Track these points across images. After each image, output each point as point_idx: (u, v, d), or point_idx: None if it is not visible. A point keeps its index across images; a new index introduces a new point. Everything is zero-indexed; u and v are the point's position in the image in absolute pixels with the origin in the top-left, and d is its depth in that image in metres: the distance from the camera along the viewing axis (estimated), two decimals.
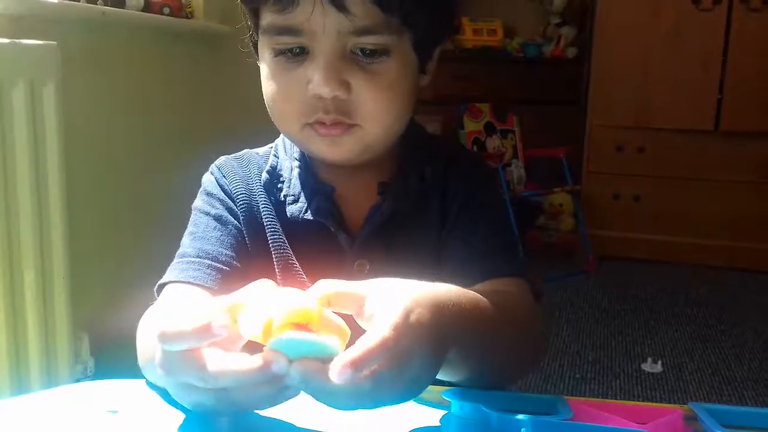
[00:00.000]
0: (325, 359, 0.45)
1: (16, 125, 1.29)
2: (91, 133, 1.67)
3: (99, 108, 1.72)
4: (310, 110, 0.67)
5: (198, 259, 0.71)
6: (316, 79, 0.64)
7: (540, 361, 0.72)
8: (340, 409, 0.46)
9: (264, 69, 0.70)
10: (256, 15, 0.69)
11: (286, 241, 0.75)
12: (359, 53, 0.66)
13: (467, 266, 0.71)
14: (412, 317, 0.47)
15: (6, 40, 1.28)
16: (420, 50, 0.70)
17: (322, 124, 0.67)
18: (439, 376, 0.53)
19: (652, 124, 3.22)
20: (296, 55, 0.66)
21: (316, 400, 0.46)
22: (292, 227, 0.74)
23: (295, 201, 0.75)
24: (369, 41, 0.65)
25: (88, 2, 1.71)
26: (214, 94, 2.24)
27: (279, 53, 0.67)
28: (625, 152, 3.28)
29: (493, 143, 3.42)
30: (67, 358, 1.44)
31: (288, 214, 0.74)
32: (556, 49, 3.76)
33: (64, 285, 1.42)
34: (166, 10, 1.98)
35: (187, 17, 2.11)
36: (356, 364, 0.43)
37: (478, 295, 0.59)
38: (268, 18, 0.66)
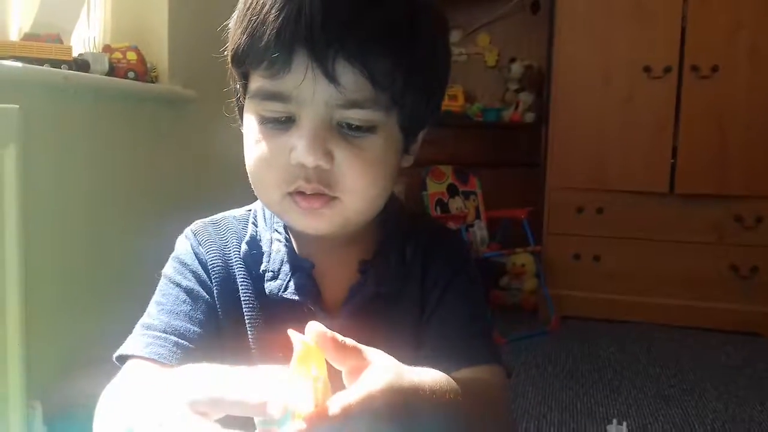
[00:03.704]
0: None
1: None
2: (53, 197, 1.65)
3: (61, 171, 1.70)
4: (292, 178, 0.66)
5: (164, 335, 0.69)
6: (300, 147, 0.64)
7: None
8: None
9: (248, 134, 0.69)
10: (245, 78, 0.69)
11: (263, 317, 0.73)
12: (345, 126, 0.65)
13: (445, 351, 0.71)
14: (384, 400, 0.49)
15: None
16: (406, 130, 0.70)
17: (302, 195, 0.67)
18: None
19: (609, 186, 3.30)
20: (282, 123, 0.66)
21: None
22: (270, 303, 0.73)
23: (275, 277, 0.73)
24: (356, 116, 0.65)
25: (52, 66, 1.72)
26: (178, 158, 2.24)
27: (266, 120, 0.67)
28: (585, 213, 3.35)
29: (455, 204, 3.46)
30: (20, 427, 1.39)
31: (267, 290, 0.73)
32: (515, 114, 3.86)
33: (18, 353, 1.38)
34: (131, 74, 1.99)
35: (152, 81, 2.13)
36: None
37: (457, 383, 0.59)
38: (257, 82, 0.66)
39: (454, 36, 3.98)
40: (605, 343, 3.00)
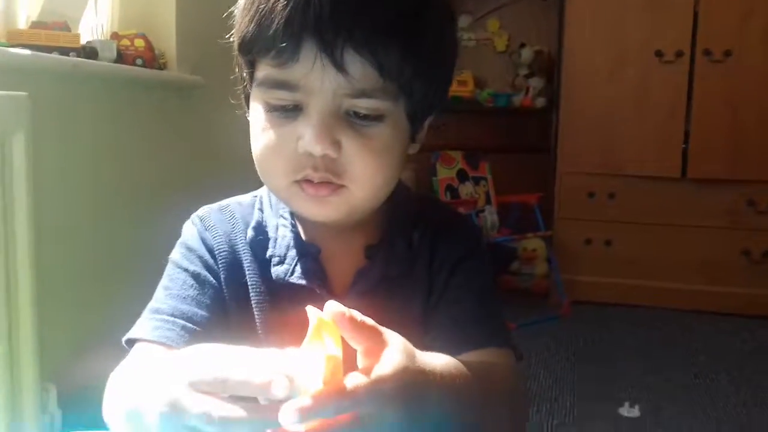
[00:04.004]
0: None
1: None
2: (62, 183, 1.66)
3: (70, 158, 1.71)
4: (299, 167, 0.66)
5: (172, 319, 0.70)
6: (307, 136, 0.64)
7: (523, 428, 0.72)
8: None
9: (255, 123, 0.69)
10: (251, 67, 0.69)
11: (270, 302, 0.73)
12: (353, 115, 0.65)
13: (453, 335, 0.70)
14: (394, 383, 0.48)
15: None
16: (413, 118, 0.70)
17: (309, 183, 0.67)
18: None
19: (621, 171, 3.28)
20: (290, 110, 0.66)
21: None
22: (276, 288, 0.73)
23: (281, 262, 0.74)
24: (364, 104, 0.65)
25: (60, 54, 1.72)
26: (185, 144, 2.25)
27: (273, 108, 0.67)
28: (596, 198, 3.33)
29: (466, 190, 3.45)
30: (34, 409, 1.40)
31: (273, 275, 0.73)
32: (526, 99, 3.84)
33: (31, 336, 1.39)
34: (139, 61, 1.99)
35: (160, 68, 2.13)
36: (302, 412, 0.45)
37: (466, 366, 0.59)
38: (265, 71, 0.66)
39: (464, 21, 3.96)
40: (617, 327, 2.99)
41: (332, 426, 0.46)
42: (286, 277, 0.73)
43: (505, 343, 0.73)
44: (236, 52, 0.70)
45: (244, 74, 0.71)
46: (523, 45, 3.89)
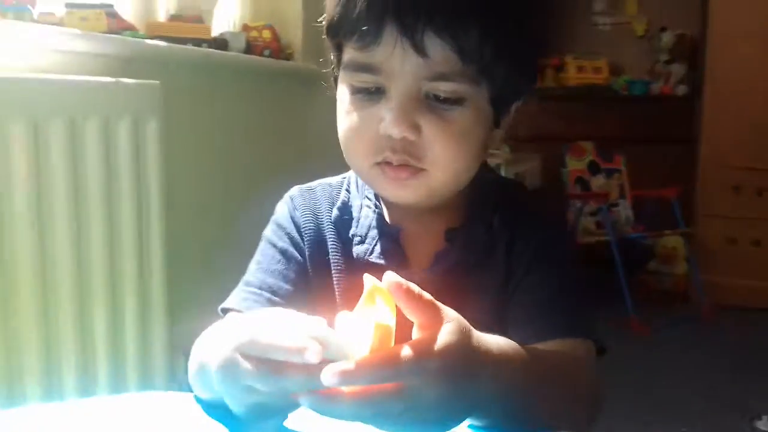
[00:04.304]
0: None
1: (121, 157, 1.38)
2: (193, 164, 1.75)
3: (200, 141, 1.80)
4: (379, 149, 0.67)
5: (259, 291, 0.73)
6: (387, 119, 0.65)
7: (590, 423, 0.68)
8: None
9: (340, 105, 0.71)
10: (339, 50, 0.70)
11: (350, 279, 0.74)
12: (433, 98, 0.65)
13: (529, 322, 0.69)
14: (443, 360, 0.47)
15: (111, 79, 1.37)
16: (496, 103, 0.69)
17: (389, 165, 0.67)
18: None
19: None
20: (372, 93, 0.67)
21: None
22: (357, 266, 0.74)
23: (362, 242, 0.75)
24: (443, 88, 0.65)
25: (193, 45, 1.82)
26: (309, 131, 2.31)
27: (357, 91, 0.68)
28: (742, 194, 3.08)
29: (597, 182, 3.31)
30: (164, 378, 1.49)
31: (354, 254, 0.75)
32: (665, 86, 3.62)
33: (163, 308, 1.48)
34: (267, 52, 2.07)
35: (287, 59, 2.20)
36: (343, 375, 0.45)
37: (530, 353, 0.57)
38: (349, 54, 0.67)
39: (600, 5, 3.79)
40: (761, 334, 2.76)
41: (374, 393, 0.46)
42: (366, 256, 0.74)
43: (583, 334, 0.69)
44: (324, 36, 0.71)
45: (332, 57, 0.72)
46: (663, 29, 3.66)
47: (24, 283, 1.20)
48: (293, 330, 0.48)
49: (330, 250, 0.76)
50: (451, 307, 0.70)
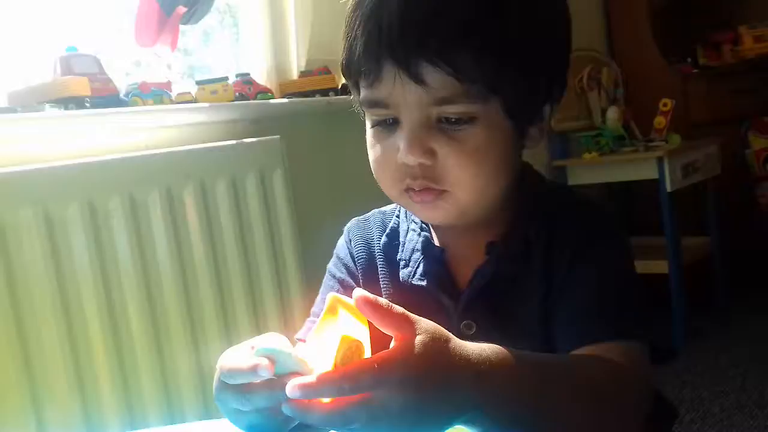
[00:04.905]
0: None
1: (251, 209, 1.53)
2: (320, 206, 1.85)
3: (328, 184, 1.91)
4: (401, 177, 0.70)
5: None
6: (401, 148, 0.67)
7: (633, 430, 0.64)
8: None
9: (367, 138, 0.75)
10: (357, 88, 0.74)
11: (399, 302, 0.77)
12: (444, 121, 0.67)
13: (571, 327, 0.67)
14: (406, 371, 0.48)
15: (234, 142, 1.54)
16: (515, 114, 0.69)
17: (413, 190, 0.70)
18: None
19: None
20: (389, 125, 0.70)
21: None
22: (404, 289, 0.77)
23: (406, 265, 0.78)
24: (451, 110, 0.66)
25: (321, 95, 1.96)
26: None
27: (375, 123, 0.71)
28: None
29: None
30: None
31: (400, 277, 0.78)
32: None
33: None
34: None
35: None
36: (303, 389, 0.48)
37: (536, 362, 0.57)
38: (363, 92, 0.71)
39: None
40: None
41: (341, 403, 0.48)
42: (410, 279, 0.77)
43: (629, 337, 0.66)
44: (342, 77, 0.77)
45: (353, 96, 0.77)
46: None
47: (176, 340, 1.35)
48: (246, 352, 0.53)
49: (380, 276, 0.80)
50: (492, 323, 0.71)
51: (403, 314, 0.51)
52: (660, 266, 2.49)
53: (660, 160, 2.52)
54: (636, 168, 2.63)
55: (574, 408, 0.57)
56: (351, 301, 0.51)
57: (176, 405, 1.35)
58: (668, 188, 2.52)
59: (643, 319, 0.69)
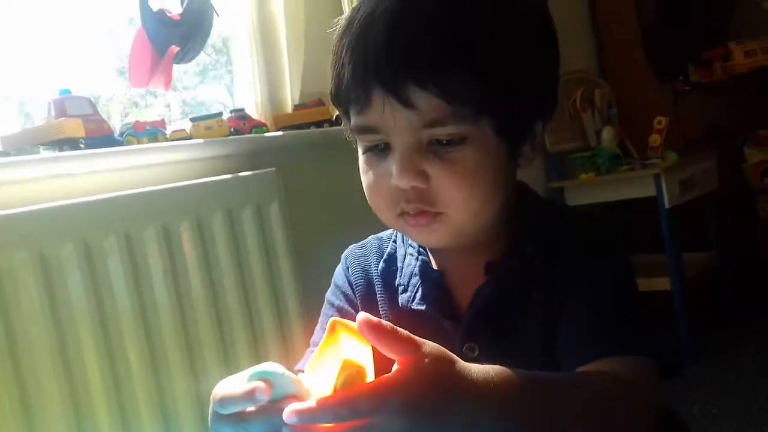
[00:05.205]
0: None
1: (249, 242, 1.53)
2: (317, 236, 1.84)
3: (323, 214, 1.91)
4: (395, 201, 0.70)
5: None
6: (394, 172, 0.67)
7: None
8: None
9: (360, 165, 0.75)
10: (347, 116, 0.75)
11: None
12: (436, 143, 0.67)
13: (574, 345, 0.67)
14: (405, 396, 0.48)
15: (229, 176, 1.55)
16: (506, 133, 0.69)
17: (408, 214, 0.70)
18: None
19: None
20: (381, 150, 0.70)
21: None
22: (403, 314, 0.77)
23: (405, 290, 0.78)
24: (441, 132, 0.66)
25: (316, 127, 1.97)
26: None
27: (367, 149, 0.72)
28: None
29: None
30: None
31: (399, 302, 0.78)
32: None
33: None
34: None
35: None
36: (300, 414, 0.48)
37: (541, 382, 0.57)
38: (353, 119, 0.72)
39: None
40: None
41: (338, 430, 0.48)
42: (409, 304, 0.77)
43: (633, 351, 0.66)
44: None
45: (344, 124, 0.77)
46: None
47: (176, 377, 1.34)
48: (240, 380, 0.53)
49: (379, 302, 0.80)
50: (495, 345, 0.71)
51: (409, 338, 0.51)
52: (662, 283, 2.47)
53: (657, 177, 2.52)
54: (633, 186, 2.63)
55: (583, 425, 0.57)
56: (353, 325, 0.50)
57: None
58: (666, 204, 2.52)
59: (647, 333, 0.69)
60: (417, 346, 0.51)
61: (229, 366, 1.43)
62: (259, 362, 0.58)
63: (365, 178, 0.73)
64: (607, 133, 2.78)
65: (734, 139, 3.03)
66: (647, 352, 0.66)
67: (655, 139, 2.74)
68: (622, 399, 0.61)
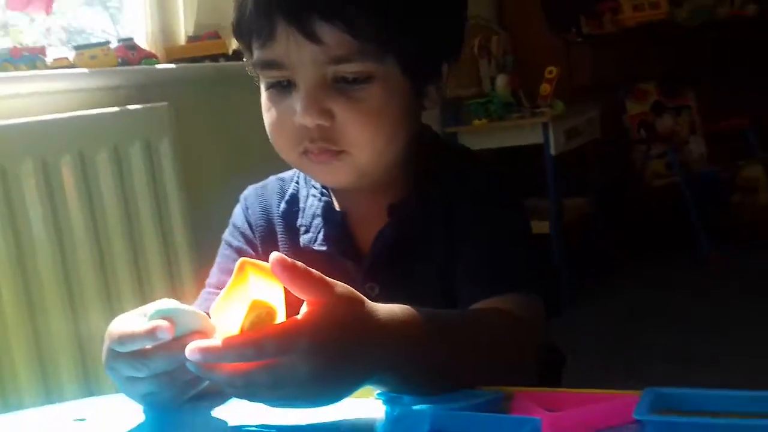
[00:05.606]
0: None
1: (136, 178, 1.49)
2: (212, 176, 1.82)
3: (219, 152, 1.87)
4: (299, 139, 0.69)
5: (216, 291, 0.77)
6: (298, 110, 0.66)
7: (529, 377, 0.68)
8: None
9: (262, 101, 0.73)
10: (250, 50, 0.72)
11: None
12: (342, 80, 0.66)
13: (471, 283, 0.69)
14: (313, 337, 0.47)
15: (117, 109, 1.48)
16: (412, 73, 0.69)
17: (312, 152, 0.69)
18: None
19: None
20: (285, 87, 0.68)
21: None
22: (305, 255, 0.75)
23: (307, 231, 0.78)
24: (347, 69, 0.65)
25: (211, 61, 1.90)
26: None
27: (270, 86, 0.70)
28: None
29: (664, 123, 3.16)
30: None
31: (301, 243, 0.77)
32: (732, 9, 3.37)
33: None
34: None
35: None
36: (204, 352, 0.47)
37: (446, 321, 0.59)
38: (256, 53, 0.69)
39: None
40: None
41: (243, 367, 0.47)
42: (311, 245, 0.77)
43: (525, 289, 0.69)
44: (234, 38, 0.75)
45: (246, 59, 0.75)
46: None
47: (53, 319, 1.31)
48: (139, 318, 0.52)
49: (280, 243, 0.79)
50: (397, 285, 0.72)
51: (321, 279, 0.50)
52: (542, 226, 2.61)
53: (545, 125, 2.62)
54: (523, 133, 2.73)
55: (477, 359, 0.59)
56: (265, 265, 0.49)
57: (53, 378, 1.32)
58: (553, 152, 2.64)
59: (538, 273, 0.73)
60: (330, 288, 0.50)
61: (113, 306, 1.40)
62: (145, 303, 0.57)
63: (267, 115, 0.71)
64: (501, 81, 2.86)
65: (618, 91, 3.19)
66: (538, 291, 0.70)
67: (545, 89, 2.83)
68: (514, 335, 0.64)
